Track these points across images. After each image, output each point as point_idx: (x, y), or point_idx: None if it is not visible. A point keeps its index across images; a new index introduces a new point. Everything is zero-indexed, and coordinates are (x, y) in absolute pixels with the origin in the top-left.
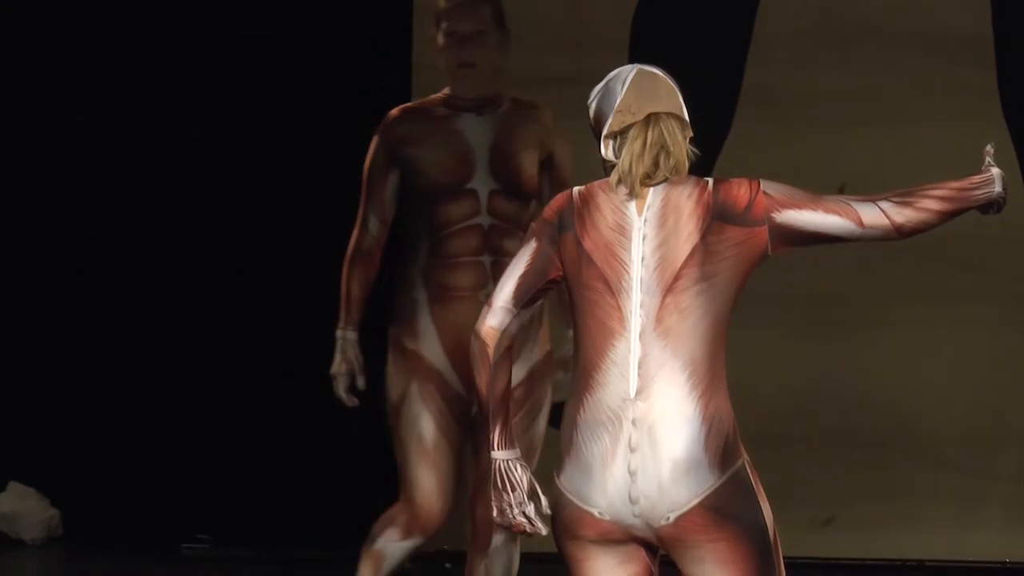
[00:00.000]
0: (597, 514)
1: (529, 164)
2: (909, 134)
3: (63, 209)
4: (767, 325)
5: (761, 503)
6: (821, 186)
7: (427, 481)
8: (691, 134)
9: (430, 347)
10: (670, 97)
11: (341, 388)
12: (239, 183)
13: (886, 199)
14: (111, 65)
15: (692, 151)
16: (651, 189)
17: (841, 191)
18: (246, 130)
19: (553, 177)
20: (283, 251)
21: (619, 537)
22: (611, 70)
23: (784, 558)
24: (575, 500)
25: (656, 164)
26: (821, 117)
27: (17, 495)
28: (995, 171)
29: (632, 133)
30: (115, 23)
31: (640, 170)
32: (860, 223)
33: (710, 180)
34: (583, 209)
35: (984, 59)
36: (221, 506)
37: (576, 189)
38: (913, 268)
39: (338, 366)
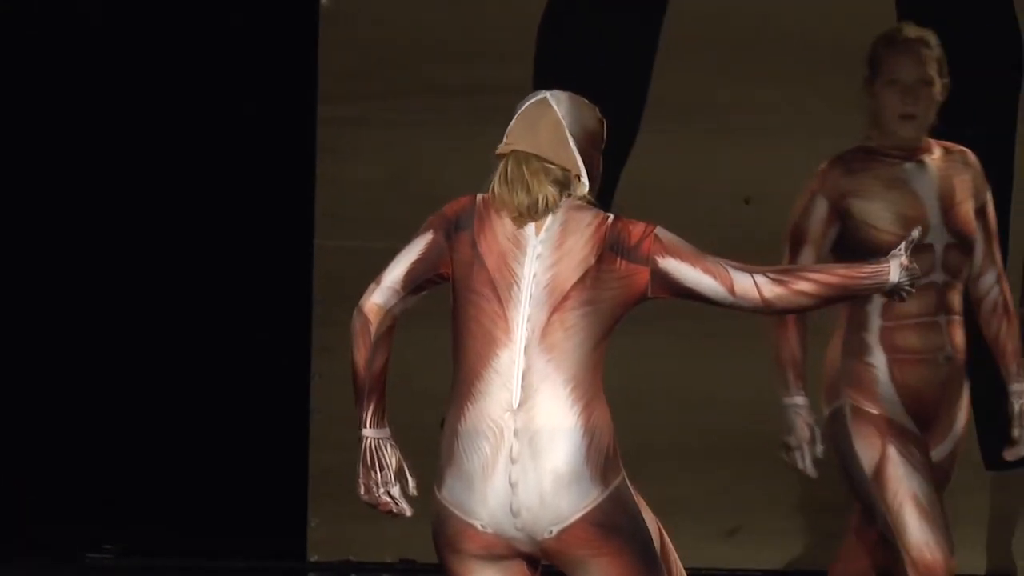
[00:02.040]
0: (480, 527)
1: (972, 214)
2: (817, 146)
3: None
4: (665, 335)
5: (644, 515)
6: (727, 198)
7: (934, 537)
8: (572, 177)
9: (895, 411)
10: (552, 136)
11: (807, 459)
12: (147, 187)
13: (764, 273)
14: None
15: (584, 196)
16: (550, 213)
17: (747, 203)
18: (155, 134)
19: (985, 226)
20: (200, 252)
21: (502, 552)
22: (513, 80)
23: (690, 569)
24: (457, 512)
25: (521, 201)
26: (728, 128)
27: None
28: (894, 263)
29: (500, 165)
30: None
31: (514, 209)
32: (732, 291)
33: (611, 215)
34: (484, 213)
35: None
36: (127, 515)
37: (480, 195)
38: None
39: (800, 434)
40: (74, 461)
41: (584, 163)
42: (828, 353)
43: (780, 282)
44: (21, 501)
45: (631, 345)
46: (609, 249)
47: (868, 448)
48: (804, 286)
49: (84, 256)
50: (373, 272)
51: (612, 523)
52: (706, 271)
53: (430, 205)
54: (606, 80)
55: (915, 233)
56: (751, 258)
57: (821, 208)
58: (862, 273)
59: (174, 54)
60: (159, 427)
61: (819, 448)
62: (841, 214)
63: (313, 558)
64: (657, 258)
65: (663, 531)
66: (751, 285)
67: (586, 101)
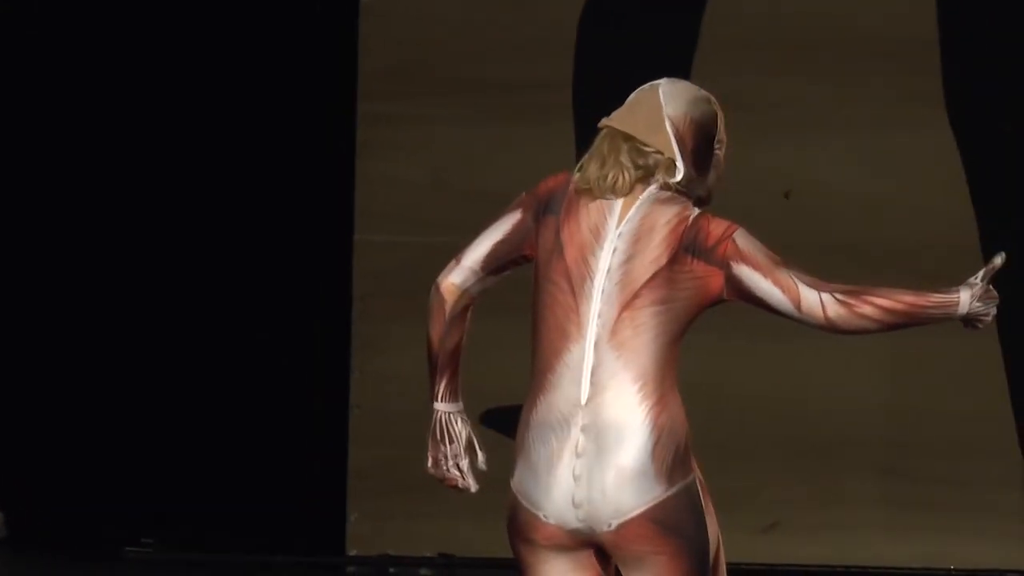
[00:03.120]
0: (543, 517)
1: None
2: (855, 140)
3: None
4: (706, 332)
5: (708, 522)
6: (766, 192)
7: None
8: (665, 160)
9: None
10: (648, 118)
11: None
12: (183, 184)
13: (832, 292)
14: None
15: (676, 183)
16: (635, 204)
17: (786, 197)
18: (193, 131)
19: None
20: (241, 249)
21: (566, 543)
22: (554, 76)
23: (727, 564)
24: (524, 503)
25: (592, 172)
26: (766, 123)
27: None
28: (964, 293)
29: (595, 139)
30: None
31: (586, 181)
32: (799, 307)
33: (695, 211)
34: (573, 198)
35: (932, 66)
36: (166, 509)
37: (577, 175)
38: (856, 277)
39: None
40: (113, 456)
41: (681, 150)
42: None
43: (845, 304)
44: (60, 496)
45: None
46: (684, 250)
47: None
48: (868, 310)
49: (118, 255)
50: (413, 268)
51: (673, 522)
52: (776, 283)
53: (469, 201)
54: (646, 74)
55: (998, 260)
56: (788, 250)
57: None
58: (929, 302)
59: (214, 51)
60: (199, 422)
61: None
62: None
63: (352, 552)
64: (732, 263)
65: (721, 544)
66: (817, 303)
67: (702, 92)
